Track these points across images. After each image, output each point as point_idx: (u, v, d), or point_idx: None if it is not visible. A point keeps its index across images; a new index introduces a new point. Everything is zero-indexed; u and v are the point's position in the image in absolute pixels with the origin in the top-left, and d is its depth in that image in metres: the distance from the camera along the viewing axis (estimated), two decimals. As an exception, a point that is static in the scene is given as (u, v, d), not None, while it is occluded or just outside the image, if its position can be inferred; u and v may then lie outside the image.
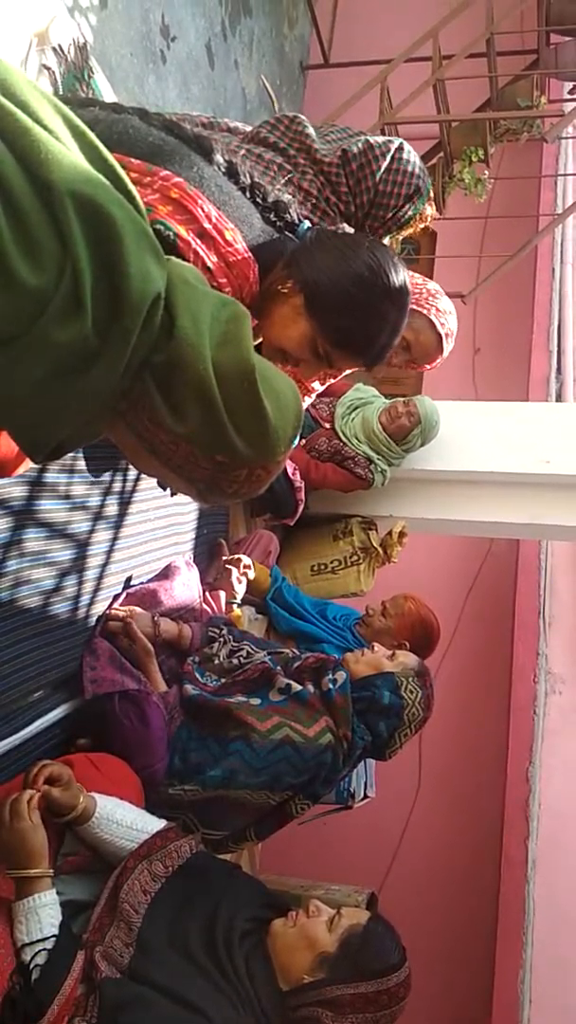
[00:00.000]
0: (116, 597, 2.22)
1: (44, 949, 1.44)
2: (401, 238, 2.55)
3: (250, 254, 1.45)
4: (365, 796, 3.42)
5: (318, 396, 3.45)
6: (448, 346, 2.40)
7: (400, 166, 1.98)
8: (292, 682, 2.15)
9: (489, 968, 4.66)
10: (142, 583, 2.32)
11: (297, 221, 1.56)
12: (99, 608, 2.16)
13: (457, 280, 5.31)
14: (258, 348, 1.74)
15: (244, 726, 2.04)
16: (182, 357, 1.01)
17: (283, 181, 1.93)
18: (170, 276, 1.06)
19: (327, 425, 3.41)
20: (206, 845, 2.14)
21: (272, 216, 1.53)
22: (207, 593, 2.53)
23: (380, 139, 2.00)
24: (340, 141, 2.06)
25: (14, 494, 1.80)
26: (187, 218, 1.37)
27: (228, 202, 1.43)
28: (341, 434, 3.39)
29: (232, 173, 1.48)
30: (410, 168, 2.00)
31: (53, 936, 1.46)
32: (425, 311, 2.33)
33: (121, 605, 2.21)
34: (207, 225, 1.37)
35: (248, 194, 1.50)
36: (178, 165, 1.41)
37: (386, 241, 2.28)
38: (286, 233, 1.55)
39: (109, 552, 2.17)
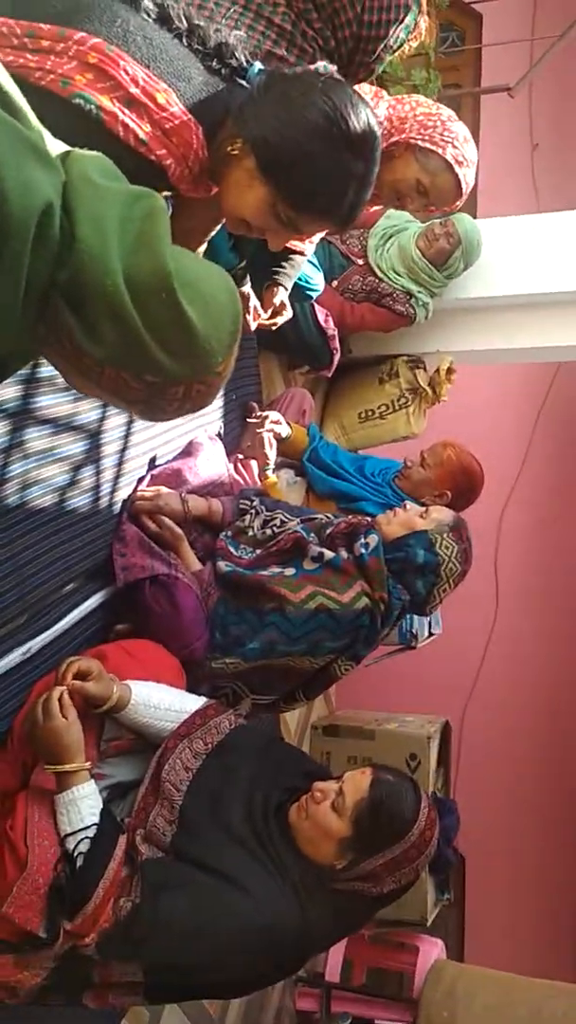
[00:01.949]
0: (140, 480, 2.20)
1: (86, 837, 1.52)
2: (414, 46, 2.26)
3: (190, 116, 1.29)
4: (431, 634, 3.47)
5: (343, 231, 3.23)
6: (468, 177, 2.15)
7: None
8: (325, 550, 2.12)
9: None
10: (167, 462, 2.28)
11: (246, 64, 1.38)
12: (123, 494, 2.14)
13: (507, 70, 4.76)
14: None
15: (278, 598, 2.04)
16: (86, 272, 0.91)
17: (251, 18, 1.70)
18: (69, 176, 0.94)
19: (359, 261, 3.20)
20: (258, 709, 2.22)
21: (215, 63, 1.34)
22: (238, 463, 2.49)
23: None
24: None
25: (8, 395, 1.75)
26: (111, 85, 1.22)
27: (159, 56, 1.27)
28: (376, 268, 3.19)
29: (164, 19, 1.30)
30: None
31: (94, 824, 1.54)
32: (440, 150, 2.07)
33: (146, 487, 2.19)
34: (134, 90, 1.22)
35: (184, 41, 1.32)
36: (98, 22, 1.24)
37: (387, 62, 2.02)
38: (235, 79, 1.37)
39: (126, 436, 2.12)
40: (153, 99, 1.25)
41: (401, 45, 1.93)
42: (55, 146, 0.99)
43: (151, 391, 1.01)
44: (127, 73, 1.22)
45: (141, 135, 1.25)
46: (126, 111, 1.23)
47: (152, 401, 1.03)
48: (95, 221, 0.92)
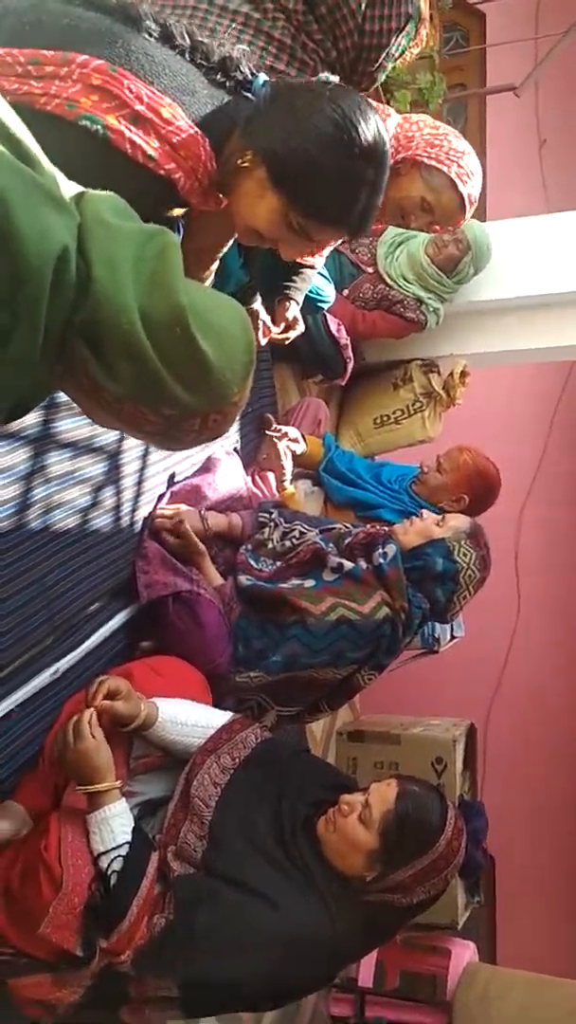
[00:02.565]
0: (160, 497, 2.23)
1: (119, 856, 1.54)
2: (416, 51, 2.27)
3: (196, 128, 1.30)
4: (453, 637, 3.47)
5: (355, 240, 3.24)
6: (472, 196, 2.16)
7: None
8: (344, 560, 2.14)
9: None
10: (186, 478, 2.31)
11: (251, 76, 1.38)
12: (144, 511, 2.17)
13: (512, 67, 4.77)
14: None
15: (300, 611, 2.06)
16: (102, 311, 0.94)
17: (250, 34, 1.73)
18: (84, 218, 0.96)
19: (369, 269, 3.22)
20: (283, 721, 2.24)
21: (220, 77, 1.36)
22: (256, 476, 2.51)
23: None
24: None
25: (28, 421, 1.77)
26: (116, 104, 1.24)
27: (162, 72, 1.28)
28: (386, 276, 3.21)
29: (167, 37, 1.32)
30: None
31: (126, 843, 1.56)
32: (445, 167, 2.09)
33: (166, 504, 2.21)
34: (139, 107, 1.24)
35: (188, 57, 1.34)
36: (99, 45, 1.26)
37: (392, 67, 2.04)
38: (242, 92, 1.38)
39: (144, 455, 2.15)
40: (158, 114, 1.26)
41: (403, 53, 1.95)
42: (68, 187, 1.01)
43: (169, 423, 1.04)
44: (131, 91, 1.24)
45: (149, 151, 1.26)
46: (133, 128, 1.25)
47: (170, 432, 1.06)
48: (109, 262, 0.95)
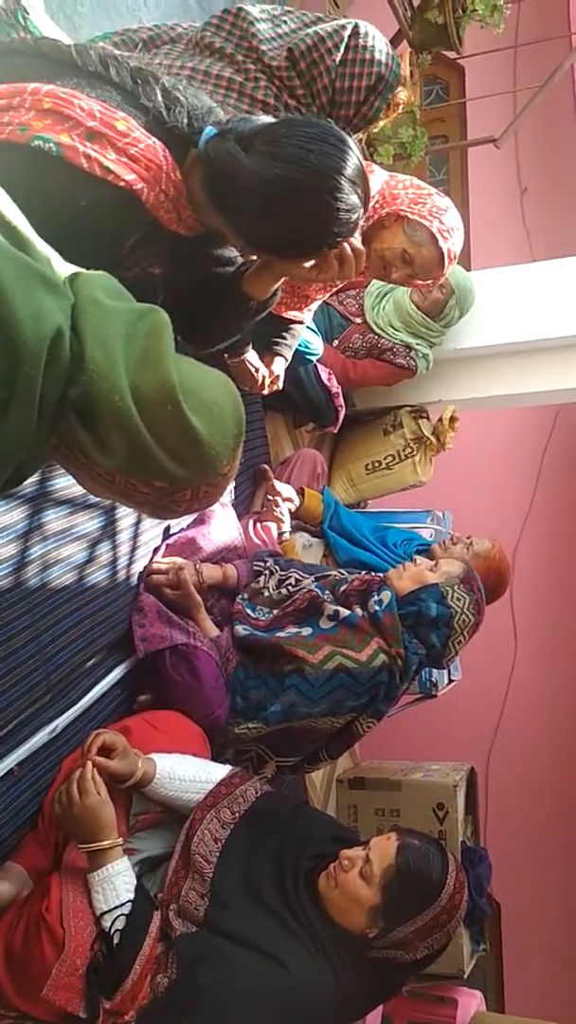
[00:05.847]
0: (156, 551, 2.25)
1: (122, 915, 1.54)
2: (384, 123, 2.34)
3: (154, 139, 1.32)
4: (450, 680, 3.47)
5: (342, 291, 3.31)
6: (452, 251, 2.23)
7: (356, 55, 1.82)
8: (340, 608, 2.16)
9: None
10: (181, 530, 2.33)
11: (197, 126, 1.40)
12: (140, 565, 2.19)
13: (492, 118, 4.89)
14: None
15: (297, 660, 2.07)
16: (95, 390, 0.97)
17: (235, 97, 1.80)
18: (77, 299, 1.00)
19: (358, 320, 3.28)
20: (283, 771, 2.24)
21: (167, 121, 1.38)
22: (258, 525, 2.53)
23: (330, 27, 1.83)
24: (291, 35, 1.90)
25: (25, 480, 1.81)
26: (69, 125, 1.25)
27: (109, 99, 1.32)
28: (375, 325, 3.26)
29: (104, 78, 1.35)
30: (368, 55, 1.83)
31: (129, 901, 1.56)
32: (427, 223, 2.17)
33: (162, 557, 2.23)
34: (92, 123, 1.26)
35: (131, 98, 1.36)
36: (48, 77, 1.30)
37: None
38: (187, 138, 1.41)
39: (139, 510, 2.17)
40: (112, 127, 1.28)
41: (377, 115, 2.02)
42: (63, 268, 1.06)
43: (160, 495, 1.07)
44: (83, 110, 1.26)
45: (106, 163, 1.27)
46: (87, 144, 1.26)
47: (162, 503, 1.09)
48: (102, 342, 0.98)
